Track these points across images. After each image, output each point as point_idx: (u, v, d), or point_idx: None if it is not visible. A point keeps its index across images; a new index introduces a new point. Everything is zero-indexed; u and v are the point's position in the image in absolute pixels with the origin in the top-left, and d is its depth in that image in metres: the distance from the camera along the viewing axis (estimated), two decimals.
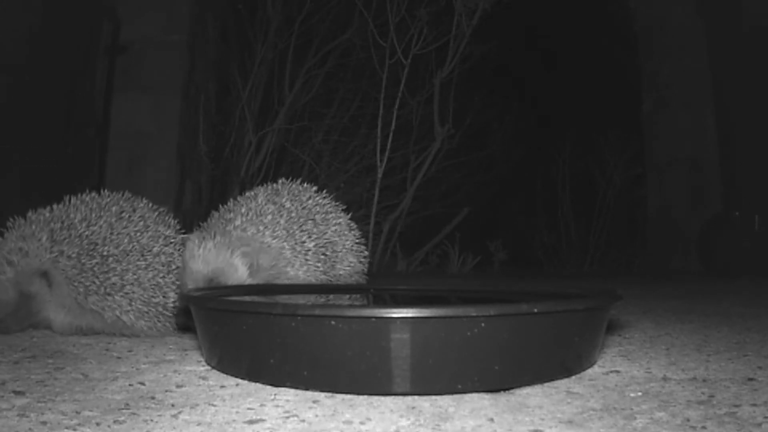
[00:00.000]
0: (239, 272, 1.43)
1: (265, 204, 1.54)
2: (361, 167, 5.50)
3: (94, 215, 1.43)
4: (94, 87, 4.52)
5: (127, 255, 1.40)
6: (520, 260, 5.95)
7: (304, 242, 1.52)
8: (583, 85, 6.16)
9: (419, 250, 5.36)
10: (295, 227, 1.52)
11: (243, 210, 1.53)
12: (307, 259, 1.51)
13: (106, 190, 1.52)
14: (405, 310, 0.88)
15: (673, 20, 5.64)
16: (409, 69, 4.88)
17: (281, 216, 1.52)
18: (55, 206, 1.45)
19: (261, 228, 1.49)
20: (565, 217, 6.35)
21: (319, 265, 1.53)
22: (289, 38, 5.42)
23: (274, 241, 1.48)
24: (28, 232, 1.39)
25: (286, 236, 1.50)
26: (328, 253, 1.55)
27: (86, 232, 1.39)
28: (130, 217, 1.46)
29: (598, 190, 6.20)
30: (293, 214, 1.54)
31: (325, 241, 1.56)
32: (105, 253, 1.38)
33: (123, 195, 1.52)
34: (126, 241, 1.41)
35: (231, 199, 1.62)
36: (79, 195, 1.48)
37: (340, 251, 1.59)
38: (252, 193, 1.61)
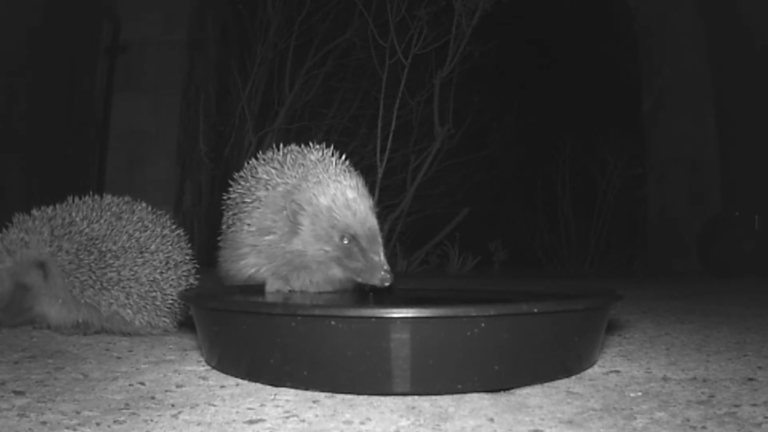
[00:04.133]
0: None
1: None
2: (361, 167, 5.50)
3: (94, 214, 1.45)
4: (94, 87, 4.53)
5: (126, 252, 1.42)
6: (520, 260, 5.95)
7: None
8: (583, 85, 6.16)
9: (419, 250, 5.36)
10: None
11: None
12: None
13: (106, 192, 1.54)
14: (405, 310, 0.88)
15: (673, 20, 5.64)
16: (409, 69, 4.88)
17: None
18: (57, 205, 1.47)
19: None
20: (565, 217, 6.35)
21: None
22: (289, 38, 5.43)
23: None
24: (31, 226, 1.42)
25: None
26: None
27: (86, 229, 1.42)
28: (129, 217, 1.47)
29: (598, 190, 6.20)
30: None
31: None
32: (103, 249, 1.40)
33: (123, 198, 1.54)
34: (125, 238, 1.43)
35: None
36: (81, 196, 1.50)
37: None
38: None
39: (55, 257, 1.39)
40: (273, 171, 1.32)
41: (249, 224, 1.30)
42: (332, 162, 1.32)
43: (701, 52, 5.40)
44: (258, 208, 1.30)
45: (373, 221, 1.27)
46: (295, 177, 1.28)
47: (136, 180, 4.53)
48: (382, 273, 1.23)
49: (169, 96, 4.73)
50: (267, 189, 1.30)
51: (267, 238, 1.28)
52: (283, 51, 5.48)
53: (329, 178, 1.26)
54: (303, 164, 1.30)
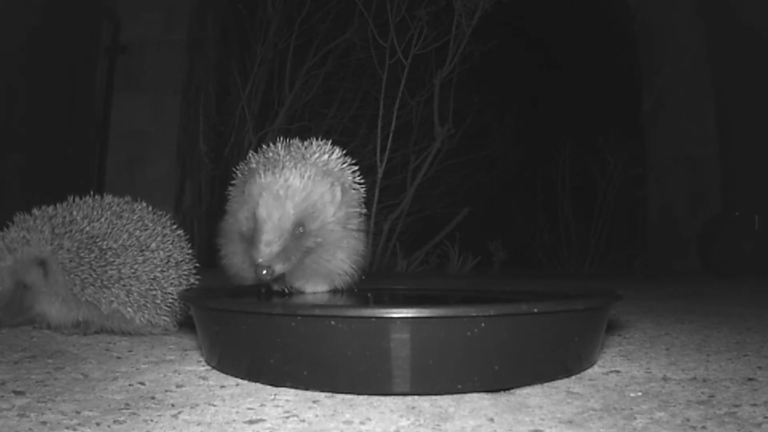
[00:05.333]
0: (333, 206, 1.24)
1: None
2: (361, 167, 5.50)
3: (95, 213, 1.46)
4: (94, 87, 4.53)
5: (126, 250, 1.42)
6: (520, 260, 5.95)
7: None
8: (583, 85, 6.16)
9: (419, 250, 5.36)
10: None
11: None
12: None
13: (106, 192, 1.55)
14: (405, 310, 0.88)
15: (673, 20, 5.64)
16: (409, 69, 4.88)
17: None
18: (57, 204, 1.48)
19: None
20: (565, 217, 6.35)
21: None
22: (289, 38, 5.43)
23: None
24: (32, 225, 1.42)
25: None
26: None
27: (87, 228, 1.42)
28: (129, 216, 1.48)
29: (598, 190, 6.20)
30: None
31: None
32: (104, 247, 1.41)
33: (124, 198, 1.54)
34: (125, 236, 1.43)
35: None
36: (81, 195, 1.51)
37: None
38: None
39: (56, 255, 1.40)
40: (253, 164, 1.32)
41: (227, 214, 1.34)
42: (301, 154, 1.29)
43: (701, 52, 5.40)
44: (234, 197, 1.33)
45: (262, 210, 1.20)
46: (261, 168, 1.27)
47: (136, 180, 4.53)
48: (256, 268, 1.19)
49: (169, 96, 4.73)
50: (242, 181, 1.32)
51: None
52: (283, 51, 5.48)
53: (278, 167, 1.23)
54: (278, 156, 1.30)
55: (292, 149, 1.32)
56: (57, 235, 1.41)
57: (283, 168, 1.23)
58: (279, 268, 1.18)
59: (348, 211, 1.27)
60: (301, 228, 1.20)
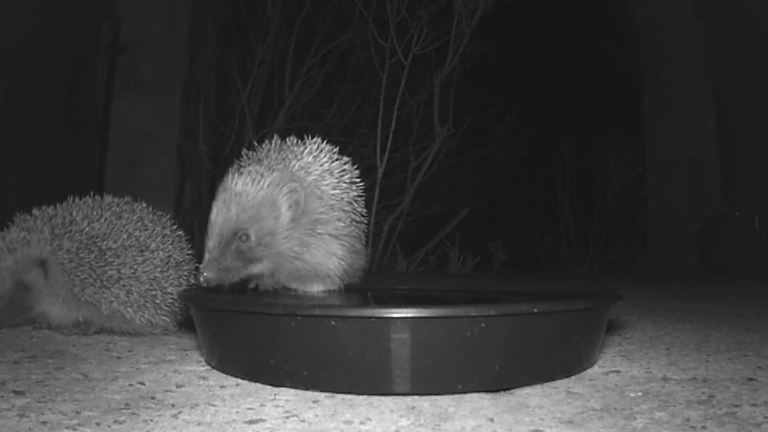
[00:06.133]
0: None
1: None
2: (361, 167, 5.50)
3: (95, 213, 1.46)
4: (94, 87, 4.53)
5: (126, 250, 1.42)
6: (520, 260, 5.95)
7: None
8: (584, 85, 6.16)
9: (419, 250, 5.36)
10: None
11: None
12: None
13: (106, 192, 1.55)
14: (405, 311, 0.88)
15: (673, 20, 5.64)
16: (409, 69, 4.88)
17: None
18: (58, 204, 1.48)
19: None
20: (565, 217, 6.35)
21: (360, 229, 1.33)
22: (289, 38, 5.43)
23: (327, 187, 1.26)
24: (32, 225, 1.42)
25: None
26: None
27: (87, 228, 1.42)
28: (129, 216, 1.48)
29: (598, 190, 6.20)
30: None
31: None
32: (104, 248, 1.41)
33: (124, 198, 1.55)
34: (125, 237, 1.43)
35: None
36: (81, 195, 1.51)
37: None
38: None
39: (56, 256, 1.40)
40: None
41: None
42: (278, 156, 1.28)
43: (701, 52, 5.40)
44: None
45: (212, 215, 1.19)
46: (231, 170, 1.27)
47: (136, 180, 4.53)
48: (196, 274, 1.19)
49: (169, 96, 4.73)
50: None
51: None
52: (283, 51, 5.48)
53: (238, 171, 1.22)
54: (260, 157, 1.29)
55: (284, 149, 1.30)
56: (57, 236, 1.41)
57: (241, 172, 1.21)
58: (216, 276, 1.17)
59: (318, 218, 1.22)
60: (244, 236, 1.18)
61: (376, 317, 0.89)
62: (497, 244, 5.57)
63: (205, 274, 1.16)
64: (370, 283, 1.58)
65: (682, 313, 1.99)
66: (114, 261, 1.41)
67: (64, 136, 4.17)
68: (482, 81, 5.61)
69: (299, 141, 1.34)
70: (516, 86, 6.23)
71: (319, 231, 1.23)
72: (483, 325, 0.89)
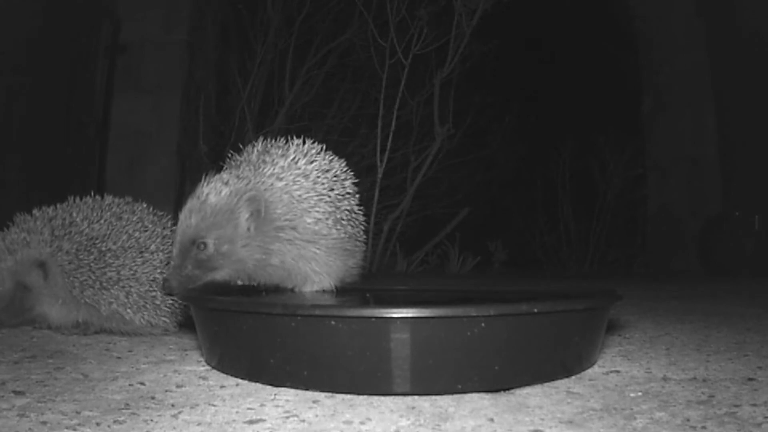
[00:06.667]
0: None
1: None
2: (361, 167, 5.50)
3: (95, 214, 1.46)
4: (94, 87, 4.53)
5: (125, 251, 1.42)
6: (520, 260, 5.95)
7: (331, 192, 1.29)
8: (584, 85, 6.16)
9: (419, 250, 5.36)
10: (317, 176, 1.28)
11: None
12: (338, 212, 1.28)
13: (106, 192, 1.55)
14: (405, 310, 0.88)
15: (673, 20, 5.64)
16: (409, 69, 4.88)
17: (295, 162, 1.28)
18: (58, 205, 1.48)
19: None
20: (565, 217, 6.35)
21: (351, 228, 1.31)
22: (289, 38, 5.43)
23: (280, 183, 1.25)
24: (32, 226, 1.43)
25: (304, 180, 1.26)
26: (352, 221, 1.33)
27: (86, 229, 1.42)
28: (129, 217, 1.48)
29: (598, 190, 6.20)
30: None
31: (354, 210, 1.35)
32: (103, 249, 1.41)
33: (124, 199, 1.55)
34: (124, 238, 1.43)
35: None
36: (81, 196, 1.51)
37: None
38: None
39: (55, 257, 1.40)
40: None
41: None
42: (255, 160, 1.28)
43: (701, 52, 5.40)
44: None
45: (178, 223, 1.22)
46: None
47: (136, 180, 4.53)
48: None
49: (169, 96, 4.73)
50: None
51: None
52: (283, 51, 5.47)
53: (206, 179, 1.24)
54: (239, 161, 1.32)
55: (264, 152, 1.30)
56: (56, 237, 1.41)
57: (209, 181, 1.22)
58: (177, 284, 1.19)
59: (284, 224, 1.22)
60: (202, 244, 1.19)
61: (376, 317, 0.89)
62: (497, 244, 5.57)
63: (165, 282, 1.20)
64: (370, 283, 1.58)
65: (682, 313, 1.99)
66: (113, 262, 1.41)
67: (64, 136, 4.16)
68: (482, 81, 5.61)
69: (288, 141, 1.34)
70: (516, 86, 6.22)
71: (287, 237, 1.23)
72: (483, 325, 0.89)
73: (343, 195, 1.31)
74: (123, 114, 4.61)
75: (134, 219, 1.48)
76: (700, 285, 3.58)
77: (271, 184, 1.23)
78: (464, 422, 0.79)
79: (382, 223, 5.11)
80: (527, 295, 1.46)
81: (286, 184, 1.24)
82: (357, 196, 1.37)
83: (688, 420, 0.79)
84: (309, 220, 1.24)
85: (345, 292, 1.35)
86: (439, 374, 0.89)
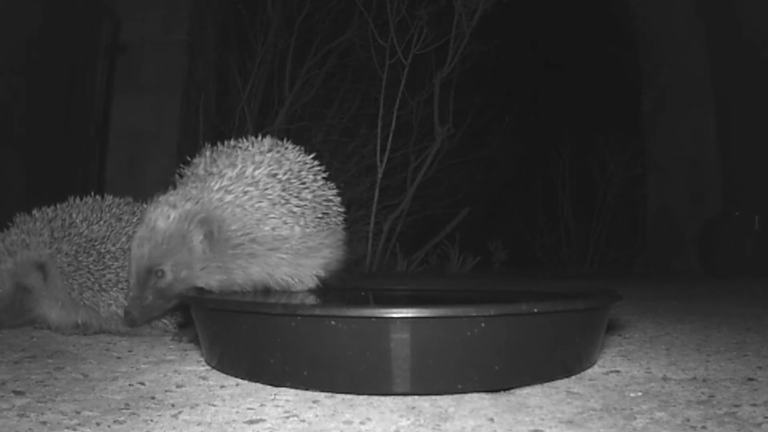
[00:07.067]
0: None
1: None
2: (361, 167, 5.50)
3: (94, 215, 1.46)
4: (94, 87, 4.53)
5: (125, 253, 1.42)
6: (520, 260, 5.95)
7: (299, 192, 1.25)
8: (584, 85, 6.16)
9: (419, 250, 5.36)
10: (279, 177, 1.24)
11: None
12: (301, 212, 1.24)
13: (106, 192, 1.55)
14: (405, 311, 0.88)
15: (673, 20, 5.64)
16: (409, 69, 4.88)
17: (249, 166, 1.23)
18: (58, 205, 1.48)
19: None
20: (565, 217, 6.35)
21: (319, 219, 1.27)
22: (289, 38, 5.43)
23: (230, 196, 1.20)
24: (32, 227, 1.43)
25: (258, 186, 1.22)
26: (327, 212, 1.29)
27: (86, 231, 1.42)
28: (128, 218, 1.48)
29: (598, 190, 6.20)
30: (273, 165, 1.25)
31: (322, 198, 1.30)
32: (102, 251, 1.41)
33: (124, 199, 1.54)
34: (124, 239, 1.43)
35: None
36: (82, 196, 1.51)
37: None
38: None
39: (55, 259, 1.40)
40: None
41: None
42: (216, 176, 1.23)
43: (701, 52, 5.40)
44: None
45: (131, 251, 1.19)
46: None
47: (136, 180, 4.53)
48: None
49: (169, 96, 4.73)
50: None
51: None
52: (283, 51, 5.48)
53: (163, 199, 1.21)
54: (188, 173, 1.30)
55: (212, 161, 1.26)
56: (56, 239, 1.41)
57: (156, 204, 1.19)
58: (140, 315, 1.18)
59: (241, 241, 1.18)
60: (159, 272, 1.17)
61: (376, 317, 0.89)
62: (497, 244, 5.57)
63: (127, 314, 1.17)
64: (370, 283, 1.58)
65: (682, 313, 1.99)
66: (112, 264, 1.41)
67: (64, 136, 4.16)
68: (482, 81, 5.61)
69: (236, 145, 1.30)
70: (516, 86, 6.22)
71: (248, 251, 1.19)
72: (483, 325, 0.89)
73: (300, 189, 1.26)
74: (123, 114, 4.61)
75: (134, 220, 1.48)
76: (700, 285, 3.58)
77: (221, 199, 1.18)
78: (464, 422, 0.79)
79: (382, 223, 5.11)
80: (527, 295, 1.47)
81: (235, 197, 1.19)
82: (323, 177, 1.32)
83: (688, 420, 0.79)
84: (267, 228, 1.20)
85: (345, 291, 1.35)
86: (439, 374, 0.89)
